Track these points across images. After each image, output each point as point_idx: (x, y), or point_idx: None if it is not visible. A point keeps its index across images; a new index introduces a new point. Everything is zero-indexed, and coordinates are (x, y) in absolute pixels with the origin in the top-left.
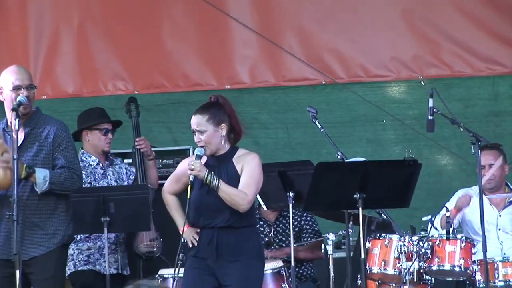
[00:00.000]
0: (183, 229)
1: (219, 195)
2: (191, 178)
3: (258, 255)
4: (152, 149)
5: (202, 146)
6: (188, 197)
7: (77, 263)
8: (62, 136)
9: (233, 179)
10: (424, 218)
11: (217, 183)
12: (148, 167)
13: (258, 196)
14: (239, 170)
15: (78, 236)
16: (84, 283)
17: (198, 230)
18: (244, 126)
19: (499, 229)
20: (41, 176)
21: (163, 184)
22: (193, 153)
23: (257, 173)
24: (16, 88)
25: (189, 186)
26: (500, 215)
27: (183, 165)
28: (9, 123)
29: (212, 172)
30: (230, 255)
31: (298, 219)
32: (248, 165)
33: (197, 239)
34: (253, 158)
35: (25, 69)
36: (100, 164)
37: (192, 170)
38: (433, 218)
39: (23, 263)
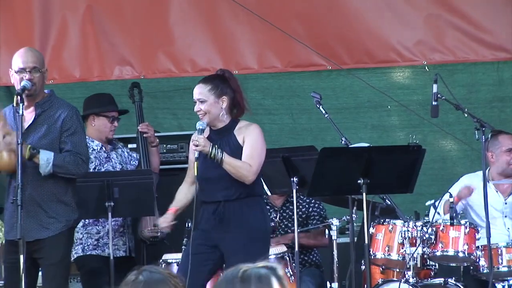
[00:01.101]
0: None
1: (222, 168)
2: (196, 154)
3: (263, 222)
4: (156, 134)
5: (201, 116)
6: (196, 174)
7: (85, 247)
8: (72, 121)
9: (236, 151)
10: (427, 203)
11: (221, 156)
12: (151, 154)
13: (262, 181)
14: (240, 141)
15: (87, 220)
16: (91, 267)
17: (174, 222)
18: (248, 105)
19: (505, 216)
20: (45, 158)
21: (165, 169)
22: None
23: (260, 143)
24: (20, 71)
25: (195, 162)
26: (506, 202)
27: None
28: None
29: (216, 146)
30: (234, 225)
31: (306, 205)
32: (250, 136)
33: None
34: (254, 128)
35: (35, 51)
36: (104, 148)
37: (197, 146)
38: (436, 203)
39: (30, 247)
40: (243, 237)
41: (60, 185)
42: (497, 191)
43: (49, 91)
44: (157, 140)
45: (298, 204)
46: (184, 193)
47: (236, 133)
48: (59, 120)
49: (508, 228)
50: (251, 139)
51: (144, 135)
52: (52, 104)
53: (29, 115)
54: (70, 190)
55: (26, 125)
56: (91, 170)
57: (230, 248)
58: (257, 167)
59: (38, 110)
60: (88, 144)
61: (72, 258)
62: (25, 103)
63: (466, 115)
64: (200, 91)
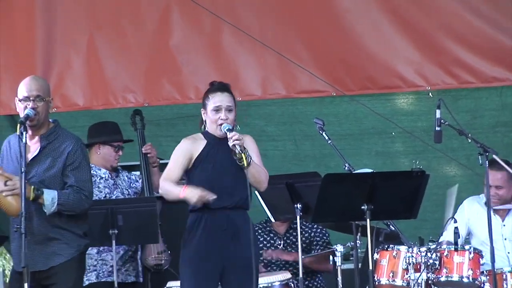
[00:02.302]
0: (183, 190)
1: (230, 174)
2: (239, 148)
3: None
4: (160, 161)
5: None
6: (246, 164)
7: (100, 274)
8: (77, 155)
9: (235, 161)
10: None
11: (251, 158)
12: (153, 174)
13: (265, 208)
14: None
15: (101, 247)
16: None
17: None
18: None
19: (505, 239)
20: (49, 198)
21: None
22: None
23: (259, 153)
24: (24, 100)
25: (243, 155)
26: (504, 224)
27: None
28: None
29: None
30: (242, 237)
31: (309, 231)
32: (251, 146)
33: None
34: (252, 139)
35: (40, 80)
36: (110, 175)
37: (240, 139)
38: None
39: (41, 274)
40: (249, 252)
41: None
42: (494, 214)
43: (54, 122)
44: (158, 160)
45: (301, 230)
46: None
47: None
48: (64, 153)
49: (508, 252)
50: (253, 149)
51: (149, 155)
52: (57, 136)
53: (34, 146)
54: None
55: (30, 156)
56: (102, 199)
57: (237, 262)
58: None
59: (43, 142)
60: (96, 173)
61: (84, 285)
62: (29, 132)
63: (469, 140)
64: (229, 99)
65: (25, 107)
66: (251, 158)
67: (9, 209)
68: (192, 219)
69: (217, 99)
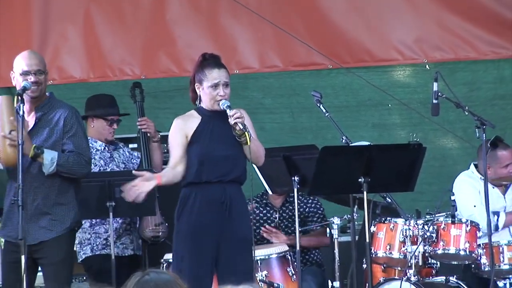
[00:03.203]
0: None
1: (227, 148)
2: (241, 126)
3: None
4: (158, 133)
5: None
6: (248, 142)
7: (94, 247)
8: (72, 122)
9: (232, 135)
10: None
11: (250, 135)
12: (153, 150)
13: (263, 180)
14: None
15: (93, 220)
16: (100, 268)
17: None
18: None
19: (505, 212)
20: (49, 157)
21: None
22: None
23: (252, 126)
24: (24, 74)
25: (246, 133)
26: (505, 198)
27: (177, 125)
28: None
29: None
30: (237, 211)
31: (304, 206)
32: (246, 121)
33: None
34: (245, 113)
35: (37, 54)
36: (107, 148)
37: (241, 117)
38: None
39: (31, 247)
40: (245, 227)
41: (62, 187)
42: (493, 187)
43: (49, 93)
44: (159, 135)
45: (298, 203)
46: (172, 174)
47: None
48: (59, 122)
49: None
50: (249, 123)
51: (143, 130)
52: (51, 106)
53: (31, 119)
54: (72, 192)
55: (28, 128)
56: (97, 171)
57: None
58: None
59: (38, 113)
60: (92, 145)
61: (81, 259)
62: (26, 105)
63: (466, 113)
64: (226, 75)
65: (25, 81)
66: (251, 134)
67: (8, 157)
68: (185, 192)
69: (215, 75)
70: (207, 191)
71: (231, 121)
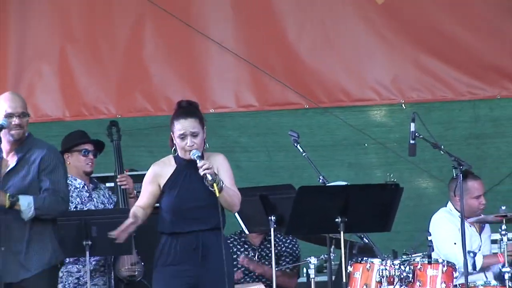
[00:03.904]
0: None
1: (200, 199)
2: (209, 177)
3: (232, 257)
4: (133, 172)
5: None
6: (217, 192)
7: (66, 286)
8: (50, 159)
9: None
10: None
11: (222, 183)
12: (130, 205)
13: (239, 220)
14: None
15: (67, 259)
16: None
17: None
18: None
19: (479, 250)
20: (25, 203)
21: None
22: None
23: (232, 172)
24: (8, 116)
25: (215, 184)
26: (481, 238)
27: (152, 171)
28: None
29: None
30: (216, 258)
31: (281, 244)
32: (223, 166)
33: None
34: (224, 158)
35: (19, 96)
36: (86, 187)
37: (210, 168)
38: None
39: (13, 286)
40: (222, 274)
41: (40, 226)
42: (470, 226)
43: (27, 133)
44: (135, 192)
45: (275, 242)
46: (141, 213)
47: None
48: (37, 160)
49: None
50: (226, 169)
51: (123, 186)
52: (30, 146)
53: (11, 159)
54: (51, 229)
55: (7, 169)
56: (72, 209)
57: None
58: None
59: (19, 154)
60: (71, 183)
61: None
62: (7, 146)
63: (444, 153)
64: (193, 124)
65: (3, 119)
66: (222, 183)
67: None
68: (162, 241)
69: (181, 126)
70: (182, 240)
71: (200, 171)
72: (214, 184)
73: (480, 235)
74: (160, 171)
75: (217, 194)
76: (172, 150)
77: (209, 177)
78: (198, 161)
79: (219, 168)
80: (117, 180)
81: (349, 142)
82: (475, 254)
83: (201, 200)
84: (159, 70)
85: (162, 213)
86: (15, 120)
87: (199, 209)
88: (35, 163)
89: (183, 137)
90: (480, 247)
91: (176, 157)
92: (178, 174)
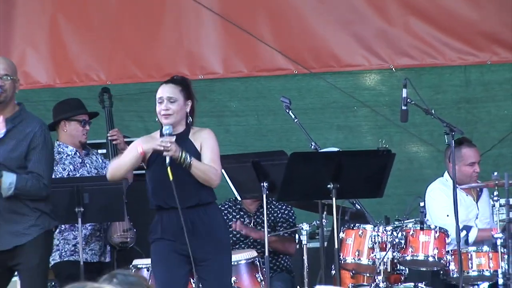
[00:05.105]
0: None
1: (183, 173)
2: (167, 159)
3: (226, 230)
4: (124, 139)
5: (166, 117)
6: (171, 179)
7: (63, 253)
8: (40, 139)
9: (195, 157)
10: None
11: (190, 160)
12: None
13: (232, 186)
14: (198, 147)
15: (63, 226)
16: (69, 274)
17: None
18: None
19: (477, 218)
20: (7, 181)
21: (138, 174)
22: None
23: (217, 147)
24: None
25: (169, 168)
26: (478, 207)
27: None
28: None
29: (182, 149)
30: (204, 233)
31: (277, 210)
32: (208, 140)
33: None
34: (209, 132)
35: (5, 59)
36: (78, 153)
37: (168, 150)
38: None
39: (5, 254)
40: (212, 248)
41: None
42: (467, 195)
43: (20, 105)
44: (127, 146)
45: (270, 209)
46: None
47: (192, 138)
48: (28, 137)
49: None
50: (210, 144)
51: (114, 142)
52: (22, 119)
53: (1, 127)
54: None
55: None
56: (65, 176)
57: (202, 257)
58: (220, 171)
59: (9, 125)
60: (63, 150)
61: (50, 265)
62: None
63: (435, 118)
64: (172, 90)
65: None
66: (190, 160)
67: None
68: (155, 218)
69: (160, 91)
70: (169, 217)
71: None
72: (181, 160)
73: (477, 203)
74: (144, 144)
75: (171, 178)
76: (157, 119)
77: (167, 160)
78: (163, 138)
79: (202, 144)
80: (108, 135)
81: (338, 105)
82: (468, 229)
83: (186, 175)
84: (148, 37)
85: (148, 189)
86: None
87: (187, 184)
88: (27, 140)
89: (160, 102)
90: (477, 215)
91: (161, 130)
92: None
